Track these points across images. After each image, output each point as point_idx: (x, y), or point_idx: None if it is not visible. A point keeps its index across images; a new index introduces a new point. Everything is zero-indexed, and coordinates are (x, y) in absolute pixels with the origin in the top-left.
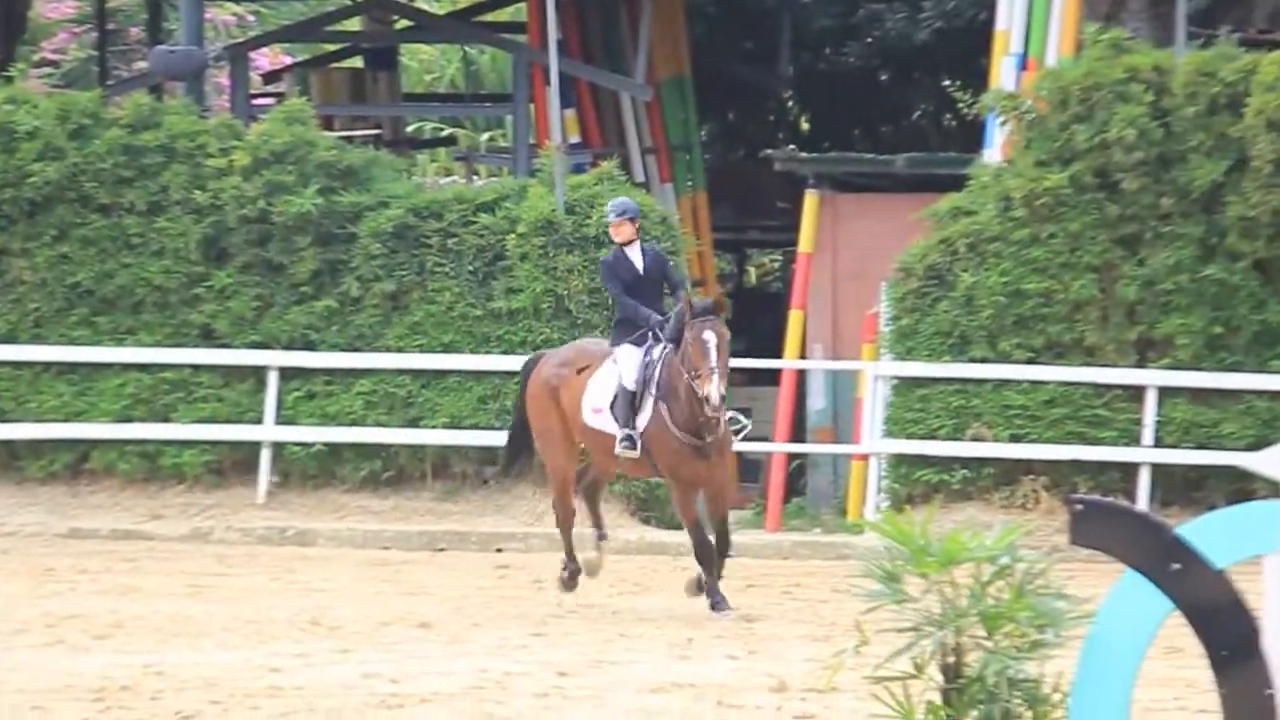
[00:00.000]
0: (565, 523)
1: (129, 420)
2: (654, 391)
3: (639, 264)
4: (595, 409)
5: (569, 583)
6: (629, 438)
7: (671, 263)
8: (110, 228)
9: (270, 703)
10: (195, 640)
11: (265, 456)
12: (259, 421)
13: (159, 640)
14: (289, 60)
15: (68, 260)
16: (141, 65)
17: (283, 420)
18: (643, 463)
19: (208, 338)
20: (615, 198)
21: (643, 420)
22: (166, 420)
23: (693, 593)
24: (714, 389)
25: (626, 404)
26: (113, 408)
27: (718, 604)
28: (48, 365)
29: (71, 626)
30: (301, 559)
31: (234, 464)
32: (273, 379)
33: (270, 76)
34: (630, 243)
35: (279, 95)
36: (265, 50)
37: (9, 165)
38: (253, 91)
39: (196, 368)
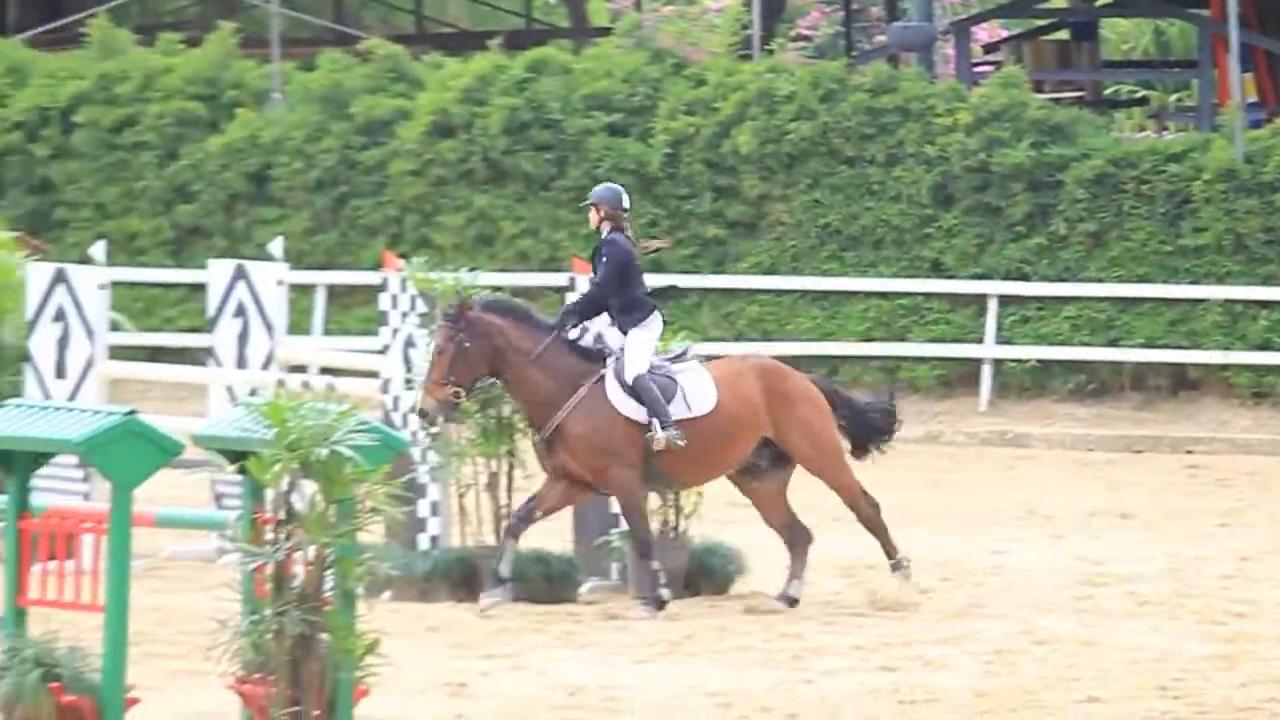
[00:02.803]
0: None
1: (871, 340)
2: None
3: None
4: None
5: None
6: None
7: (605, 257)
8: (855, 176)
9: (991, 580)
10: (934, 527)
11: (986, 371)
12: (980, 341)
13: (902, 527)
14: (1005, 34)
15: (819, 205)
16: (880, 39)
17: (1001, 340)
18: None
19: (936, 270)
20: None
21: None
22: (902, 340)
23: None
24: (416, 399)
25: None
26: (857, 329)
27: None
28: (803, 293)
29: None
30: (1018, 459)
31: (959, 377)
32: (992, 305)
33: (989, 47)
34: (598, 230)
35: (997, 64)
36: (985, 24)
37: (770, 125)
38: (974, 60)
39: (927, 295)
